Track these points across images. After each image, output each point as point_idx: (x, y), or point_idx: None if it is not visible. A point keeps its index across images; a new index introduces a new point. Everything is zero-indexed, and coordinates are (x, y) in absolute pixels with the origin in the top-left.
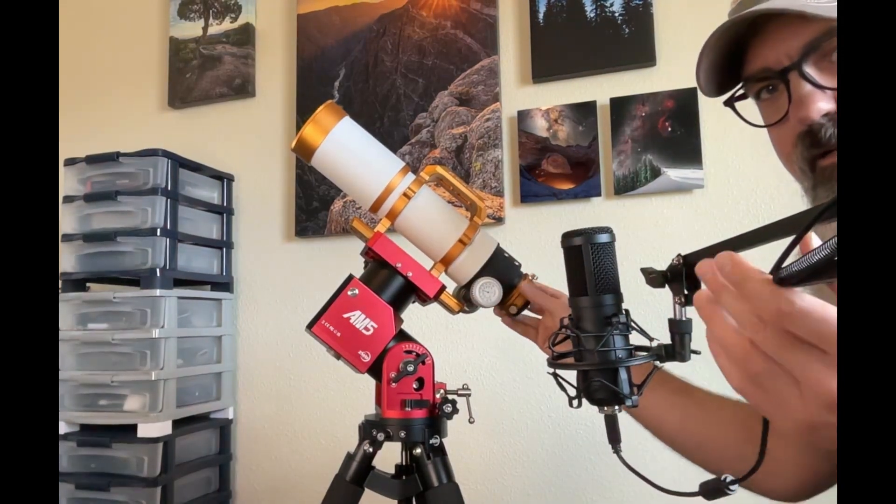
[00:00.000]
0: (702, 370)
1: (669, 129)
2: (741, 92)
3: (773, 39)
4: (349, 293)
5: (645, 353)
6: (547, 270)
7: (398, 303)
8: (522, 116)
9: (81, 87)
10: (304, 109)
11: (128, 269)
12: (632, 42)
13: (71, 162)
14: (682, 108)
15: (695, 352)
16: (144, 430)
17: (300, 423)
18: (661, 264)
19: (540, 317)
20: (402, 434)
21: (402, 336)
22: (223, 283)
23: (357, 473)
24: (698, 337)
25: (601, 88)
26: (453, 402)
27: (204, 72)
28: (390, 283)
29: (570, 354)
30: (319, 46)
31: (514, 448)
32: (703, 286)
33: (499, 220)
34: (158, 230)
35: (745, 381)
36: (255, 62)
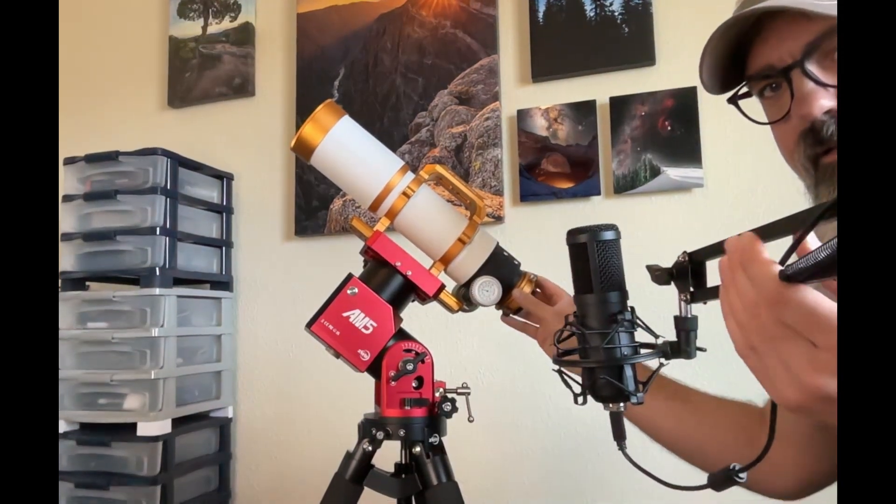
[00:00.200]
0: (703, 371)
1: (669, 128)
2: (745, 90)
3: (775, 37)
4: (348, 292)
5: (650, 351)
6: (547, 270)
7: (397, 301)
8: (522, 115)
9: (81, 86)
10: (303, 109)
11: (127, 268)
12: (631, 41)
13: (70, 161)
14: (681, 108)
15: (700, 349)
16: (144, 429)
17: (300, 422)
18: (661, 263)
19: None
20: (402, 433)
21: (402, 335)
22: (223, 282)
23: (356, 472)
24: (704, 334)
25: (601, 88)
26: (453, 401)
27: (203, 71)
28: (390, 281)
29: (576, 351)
30: (319, 46)
31: (514, 447)
32: None
33: (498, 219)
34: (158, 229)
35: (746, 349)
36: (255, 61)
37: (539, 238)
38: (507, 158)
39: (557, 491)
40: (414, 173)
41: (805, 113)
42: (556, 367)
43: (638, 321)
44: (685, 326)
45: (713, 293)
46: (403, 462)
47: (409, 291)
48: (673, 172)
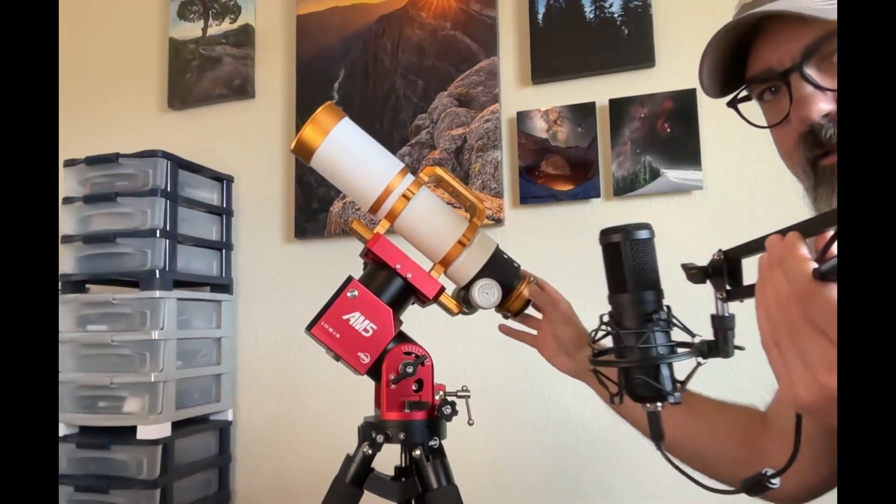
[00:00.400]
0: (705, 372)
1: (668, 130)
2: (744, 93)
3: (774, 41)
4: (349, 294)
5: (687, 350)
6: (546, 272)
7: (397, 304)
8: (522, 117)
9: (81, 88)
10: (303, 110)
11: (127, 271)
12: (631, 43)
13: (71, 163)
14: (681, 110)
15: (738, 347)
16: (144, 432)
17: (299, 425)
18: (662, 265)
19: (539, 315)
20: (402, 436)
21: (402, 337)
22: (223, 285)
23: (356, 475)
24: (741, 333)
25: (600, 89)
26: (452, 404)
27: (203, 73)
28: (390, 284)
29: (611, 351)
30: (319, 47)
31: (514, 449)
32: None
33: (498, 222)
34: (158, 231)
35: (770, 342)
36: (255, 63)
37: (539, 240)
38: (506, 160)
39: (557, 492)
40: (414, 175)
41: (804, 116)
42: (592, 368)
43: (674, 320)
44: (722, 325)
45: (750, 291)
46: (403, 465)
47: (409, 294)
48: (672, 174)
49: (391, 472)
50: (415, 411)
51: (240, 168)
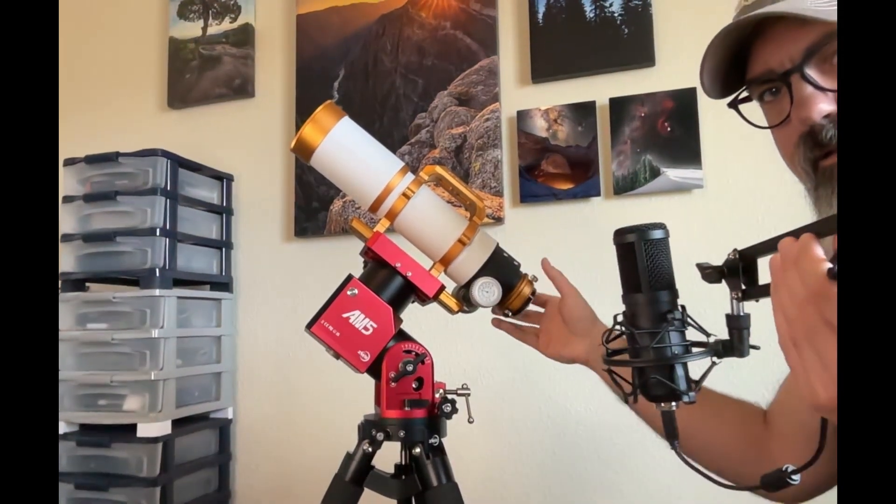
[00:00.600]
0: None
1: (669, 129)
2: (745, 94)
3: (775, 42)
4: (348, 293)
5: (702, 350)
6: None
7: (397, 302)
8: (522, 116)
9: (81, 87)
10: (303, 110)
11: (127, 269)
12: (631, 42)
13: (70, 162)
14: (681, 109)
15: (754, 347)
16: (144, 430)
17: (299, 423)
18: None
19: (542, 309)
20: (402, 434)
21: (402, 336)
22: (223, 283)
23: (356, 473)
24: (756, 332)
25: (600, 89)
26: (453, 402)
27: (203, 72)
28: (390, 282)
29: (625, 351)
30: (319, 46)
31: (514, 448)
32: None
33: (498, 220)
34: (158, 230)
35: (789, 343)
36: (255, 62)
37: (539, 239)
38: (506, 159)
39: (557, 491)
40: (414, 174)
41: (804, 117)
42: (607, 367)
43: (689, 320)
44: (738, 325)
45: (765, 291)
46: (403, 463)
47: (409, 292)
48: (673, 173)
49: (391, 470)
50: (415, 409)
51: (240, 167)
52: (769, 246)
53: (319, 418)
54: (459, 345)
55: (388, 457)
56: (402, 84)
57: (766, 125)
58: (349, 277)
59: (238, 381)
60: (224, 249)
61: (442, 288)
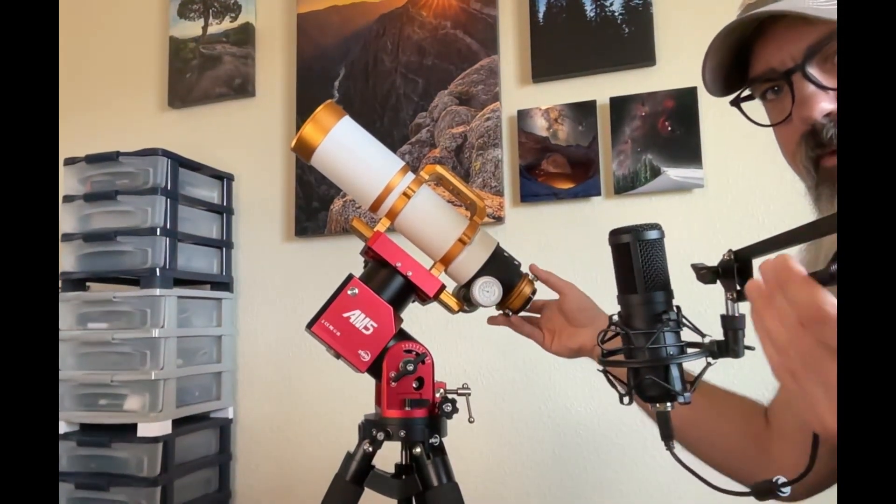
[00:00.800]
0: (707, 373)
1: (669, 128)
2: (747, 93)
3: (777, 41)
4: (349, 292)
5: (697, 350)
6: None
7: (398, 302)
8: (522, 116)
9: (81, 86)
10: (303, 109)
11: (128, 269)
12: (631, 42)
13: (71, 161)
14: (681, 108)
15: (748, 347)
16: (144, 430)
17: (300, 423)
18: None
19: (538, 315)
20: (402, 433)
21: (402, 335)
22: (223, 283)
23: (357, 473)
24: (752, 333)
25: (601, 88)
26: (453, 402)
27: (204, 71)
28: (390, 282)
29: (620, 351)
30: (319, 46)
31: (514, 448)
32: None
33: (498, 220)
34: (158, 230)
35: (784, 372)
36: (255, 62)
37: (539, 238)
38: (507, 159)
39: (557, 491)
40: (414, 174)
41: (806, 116)
42: (601, 368)
43: (684, 320)
44: (733, 325)
45: None
46: (404, 463)
47: (409, 292)
48: (673, 173)
49: (392, 470)
50: (415, 409)
51: (240, 166)
52: (764, 247)
53: (320, 418)
54: (460, 344)
55: (389, 456)
56: (403, 83)
57: (768, 123)
58: (349, 277)
59: (238, 380)
60: (224, 249)
61: (442, 287)
